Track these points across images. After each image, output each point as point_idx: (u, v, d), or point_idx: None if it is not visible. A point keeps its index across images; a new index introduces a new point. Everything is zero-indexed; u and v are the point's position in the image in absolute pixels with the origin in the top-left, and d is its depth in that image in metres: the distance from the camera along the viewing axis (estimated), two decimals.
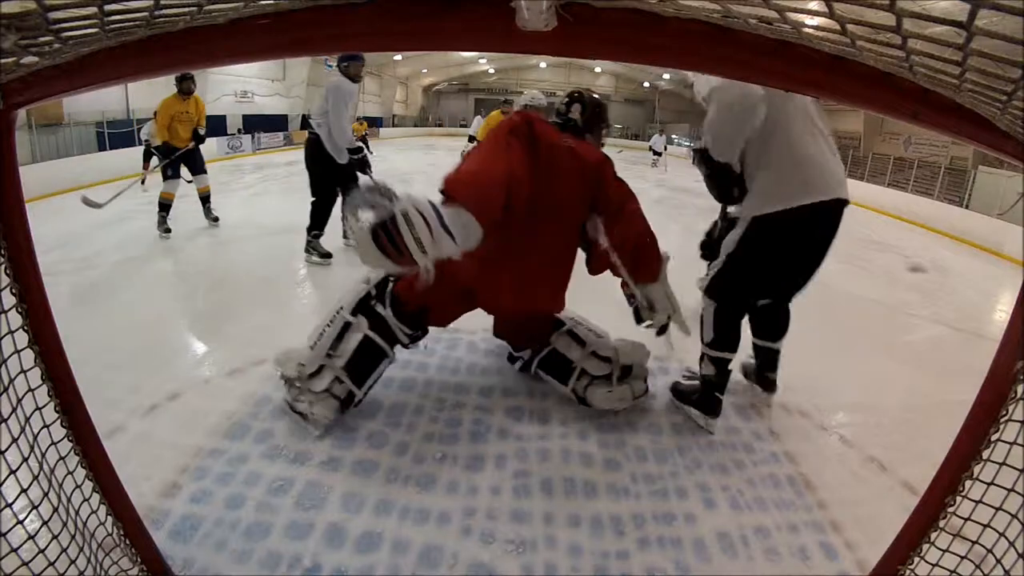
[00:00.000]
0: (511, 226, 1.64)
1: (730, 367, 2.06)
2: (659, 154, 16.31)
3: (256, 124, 14.18)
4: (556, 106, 2.09)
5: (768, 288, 2.06)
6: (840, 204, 1.86)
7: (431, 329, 2.83)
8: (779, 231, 1.83)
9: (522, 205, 1.63)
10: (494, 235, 1.51)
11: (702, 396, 2.08)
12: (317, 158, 3.89)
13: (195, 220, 5.11)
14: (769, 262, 1.93)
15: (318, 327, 1.94)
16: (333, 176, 3.92)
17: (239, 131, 13.47)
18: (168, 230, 4.65)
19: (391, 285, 1.94)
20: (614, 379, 2.04)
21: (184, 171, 4.91)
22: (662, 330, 2.03)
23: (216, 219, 5.17)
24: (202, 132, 4.94)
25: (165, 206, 4.77)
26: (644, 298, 1.97)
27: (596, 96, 2.10)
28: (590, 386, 2.07)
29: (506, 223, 1.58)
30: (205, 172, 5.13)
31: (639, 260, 1.91)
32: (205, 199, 5.16)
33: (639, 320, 2.04)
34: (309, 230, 4.04)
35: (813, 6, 0.54)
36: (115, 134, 9.46)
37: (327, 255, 4.02)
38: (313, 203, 4.05)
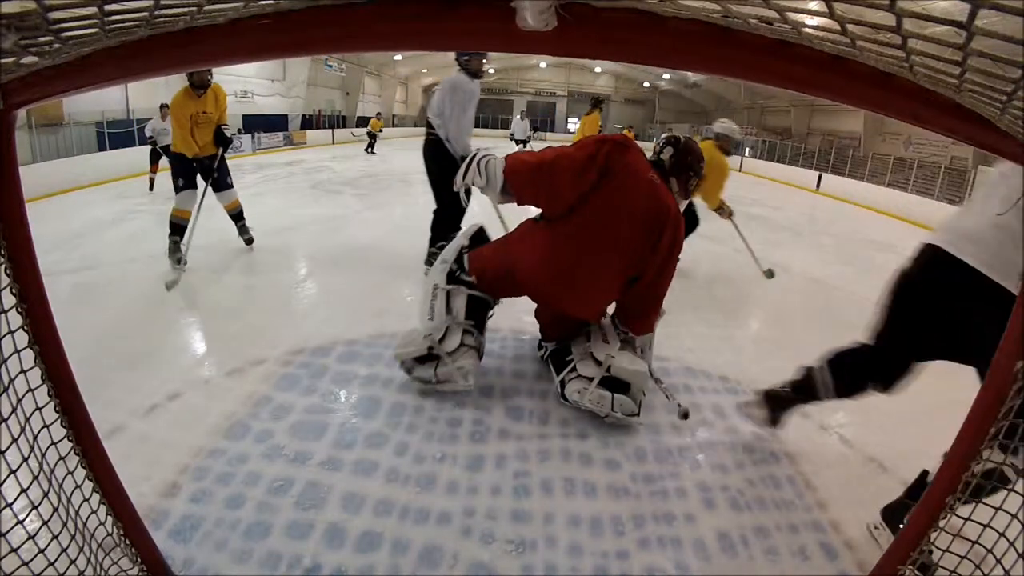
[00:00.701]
0: (568, 231, 1.92)
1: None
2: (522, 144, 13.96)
3: (256, 124, 14.19)
4: (655, 143, 2.19)
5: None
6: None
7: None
8: None
9: (561, 213, 1.93)
10: (551, 232, 1.97)
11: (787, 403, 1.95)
12: (439, 160, 3.36)
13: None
14: None
15: (424, 307, 2.13)
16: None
17: (239, 131, 13.49)
18: (182, 260, 3.57)
19: (465, 258, 2.20)
20: (594, 382, 2.02)
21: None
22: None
23: (251, 240, 4.22)
24: (229, 133, 3.92)
25: (178, 227, 3.67)
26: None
27: (693, 143, 2.12)
28: (571, 380, 2.09)
29: (565, 228, 1.93)
30: (231, 185, 4.08)
31: (635, 320, 2.12)
32: (236, 216, 4.17)
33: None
34: (432, 241, 3.52)
35: (813, 6, 0.54)
36: (115, 134, 9.46)
37: None
38: (436, 212, 3.54)
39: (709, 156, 2.95)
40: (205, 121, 3.79)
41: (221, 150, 3.88)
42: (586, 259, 1.93)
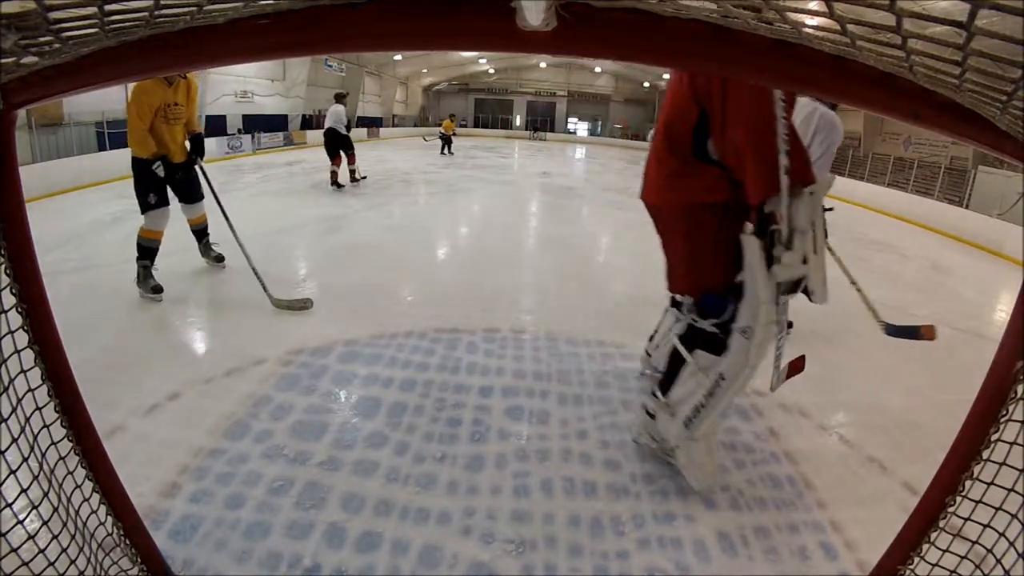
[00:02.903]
0: None
1: None
2: None
3: (256, 124, 14.17)
4: None
5: None
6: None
7: (429, 329, 2.82)
8: None
9: None
10: None
11: None
12: None
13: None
14: None
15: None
16: None
17: (239, 131, 13.48)
18: (157, 288, 3.10)
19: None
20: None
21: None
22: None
23: (220, 258, 3.74)
24: (201, 133, 3.36)
25: (148, 250, 3.14)
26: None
27: None
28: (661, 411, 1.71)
29: None
30: (202, 197, 3.45)
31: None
32: (201, 233, 3.62)
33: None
34: None
35: (813, 6, 0.54)
36: (115, 134, 9.44)
37: None
38: None
39: None
40: (175, 117, 3.12)
41: (199, 161, 3.30)
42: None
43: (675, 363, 1.67)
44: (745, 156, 1.38)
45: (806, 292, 1.41)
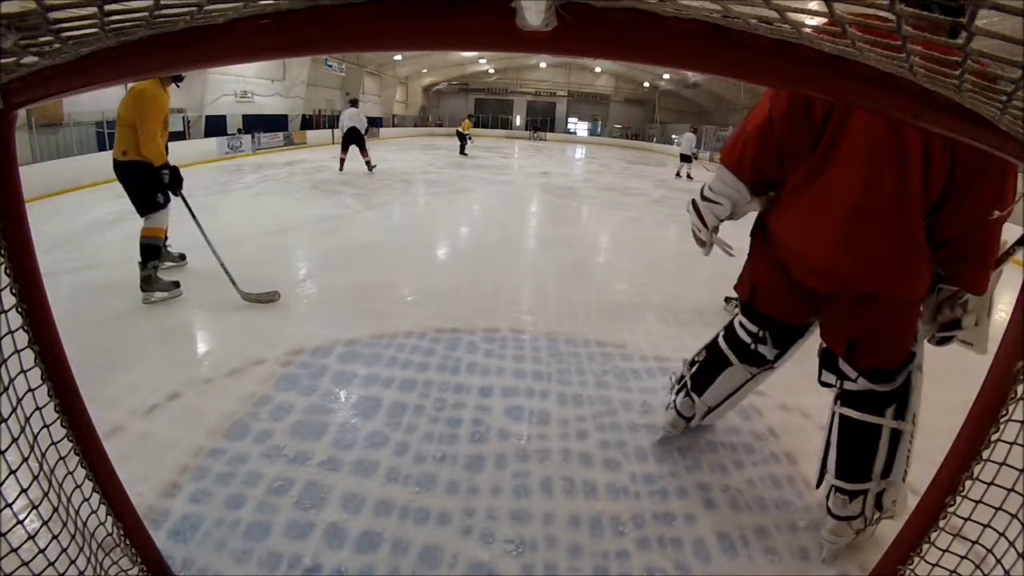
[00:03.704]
0: (828, 176, 1.35)
1: None
2: (689, 159, 12.67)
3: (256, 124, 14.17)
4: None
5: None
6: None
7: (429, 329, 2.83)
8: None
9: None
10: (804, 189, 1.39)
11: None
12: None
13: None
14: None
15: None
16: None
17: (239, 131, 13.48)
18: (174, 283, 3.21)
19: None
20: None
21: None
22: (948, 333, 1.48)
23: (182, 256, 3.71)
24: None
25: (156, 249, 3.17)
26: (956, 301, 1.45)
27: None
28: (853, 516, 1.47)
29: (822, 176, 1.36)
30: (161, 205, 3.23)
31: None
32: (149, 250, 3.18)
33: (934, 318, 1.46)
34: None
35: (813, 6, 0.54)
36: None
37: None
38: None
39: None
40: (166, 119, 3.22)
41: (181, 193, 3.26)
42: (864, 200, 1.30)
43: (858, 440, 1.46)
44: (990, 252, 1.36)
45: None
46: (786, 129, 1.39)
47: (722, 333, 1.80)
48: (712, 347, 1.82)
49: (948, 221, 1.30)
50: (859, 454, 1.45)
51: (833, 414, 1.51)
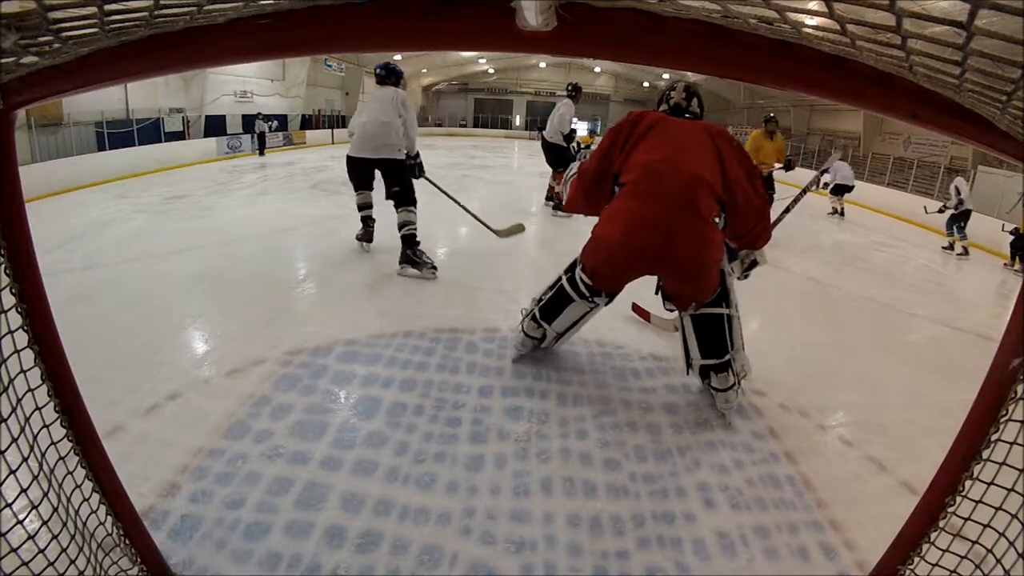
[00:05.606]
0: (634, 185, 2.01)
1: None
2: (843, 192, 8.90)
3: (256, 124, 14.17)
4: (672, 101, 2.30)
5: None
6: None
7: (429, 329, 2.83)
8: None
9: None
10: (621, 197, 2.06)
11: None
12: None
13: (194, 220, 5.07)
14: None
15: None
16: None
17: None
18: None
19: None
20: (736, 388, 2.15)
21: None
22: (749, 268, 2.33)
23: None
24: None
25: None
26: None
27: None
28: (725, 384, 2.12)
29: (629, 186, 2.02)
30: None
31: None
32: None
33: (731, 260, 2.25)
34: None
35: (813, 6, 0.54)
36: (115, 134, 9.44)
37: None
38: None
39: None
40: None
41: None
42: (666, 194, 1.94)
43: (711, 328, 2.13)
44: (766, 217, 2.14)
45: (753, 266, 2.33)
46: (612, 151, 2.14)
47: (566, 278, 2.26)
48: (558, 289, 2.30)
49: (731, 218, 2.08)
50: (715, 336, 2.09)
51: (682, 318, 2.19)
